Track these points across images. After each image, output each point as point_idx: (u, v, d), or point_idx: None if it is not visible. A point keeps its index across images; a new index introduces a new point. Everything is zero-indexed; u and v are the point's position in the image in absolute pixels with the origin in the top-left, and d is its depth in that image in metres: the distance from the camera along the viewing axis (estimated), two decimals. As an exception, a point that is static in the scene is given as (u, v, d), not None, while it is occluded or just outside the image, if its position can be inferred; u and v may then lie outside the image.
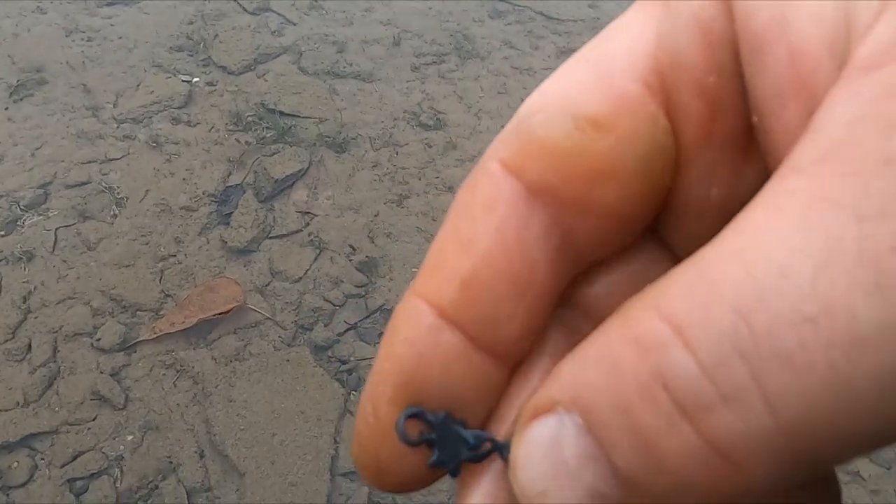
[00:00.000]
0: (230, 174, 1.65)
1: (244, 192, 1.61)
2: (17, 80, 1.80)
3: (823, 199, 0.12)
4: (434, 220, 1.60)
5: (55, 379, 1.29)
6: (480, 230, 0.17)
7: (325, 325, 1.40)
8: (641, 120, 0.16)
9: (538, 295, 0.17)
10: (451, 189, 1.66)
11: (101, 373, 1.30)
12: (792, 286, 0.12)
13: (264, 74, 1.89)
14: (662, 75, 0.17)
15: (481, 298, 0.17)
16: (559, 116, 0.17)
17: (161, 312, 1.39)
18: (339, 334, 1.40)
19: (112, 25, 2.01)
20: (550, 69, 0.24)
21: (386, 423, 0.17)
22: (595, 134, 0.16)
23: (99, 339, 1.33)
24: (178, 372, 1.32)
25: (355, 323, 1.41)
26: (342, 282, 1.46)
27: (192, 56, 1.93)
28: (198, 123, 1.76)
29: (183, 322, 1.36)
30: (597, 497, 0.14)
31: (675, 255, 0.19)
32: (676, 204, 0.18)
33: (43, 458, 1.20)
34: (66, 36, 1.95)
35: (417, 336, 0.17)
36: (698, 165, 0.17)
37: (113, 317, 1.37)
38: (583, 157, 0.16)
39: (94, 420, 1.25)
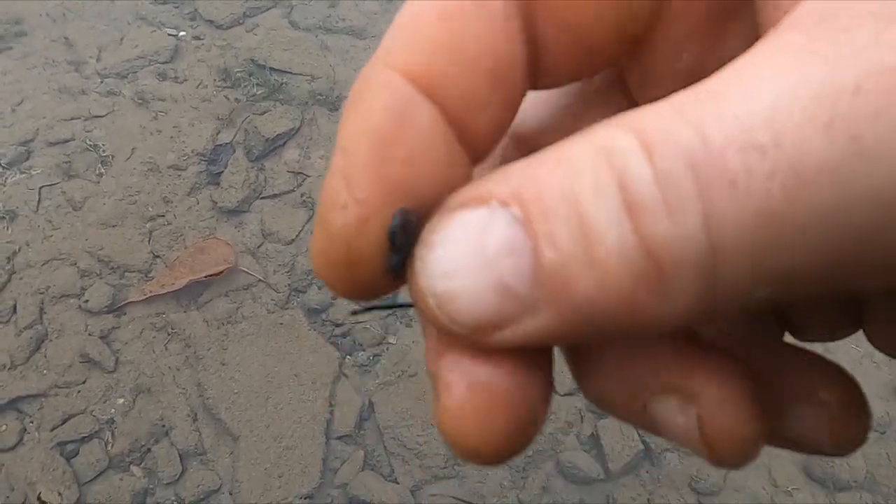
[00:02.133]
0: (219, 132, 1.60)
1: (234, 151, 1.56)
2: (-5, 32, 1.72)
3: (809, 50, 0.12)
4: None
5: (42, 341, 1.26)
6: (466, 2, 0.15)
7: (319, 288, 1.37)
8: None
9: (512, 92, 0.16)
10: (447, 150, 1.62)
11: (90, 335, 1.27)
12: (750, 113, 0.12)
13: (253, 29, 1.83)
14: None
15: (461, 74, 0.15)
16: None
17: (150, 274, 1.35)
18: (334, 297, 1.37)
19: (93, -25, 1.92)
20: None
21: (366, 207, 0.15)
22: None
23: (87, 301, 1.30)
24: (169, 335, 1.29)
25: (350, 286, 1.39)
26: (336, 244, 1.43)
27: (177, 8, 1.85)
28: (185, 79, 1.70)
29: (173, 284, 1.32)
30: (502, 292, 0.14)
31: None
32: (646, 61, 0.18)
33: (32, 422, 1.18)
34: (45, -14, 1.87)
35: (396, 105, 0.15)
36: (676, 27, 0.17)
37: (101, 278, 1.34)
38: None
39: (83, 383, 1.22)
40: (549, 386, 0.17)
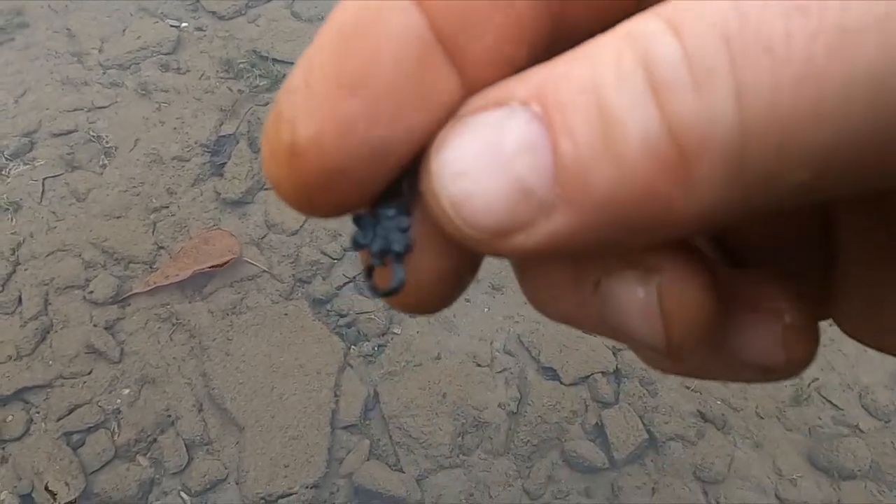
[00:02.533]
0: (223, 123, 1.59)
1: (237, 143, 1.56)
2: (-3, 24, 1.72)
3: None
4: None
5: (48, 332, 1.26)
6: None
7: (324, 279, 1.37)
8: None
9: (518, 18, 0.14)
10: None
11: (95, 326, 1.27)
12: None
13: (256, 19, 1.82)
14: None
15: None
16: None
17: (155, 265, 1.36)
18: (338, 288, 1.37)
19: (95, -34, 1.91)
20: None
21: (318, 143, 0.14)
22: None
23: (91, 292, 1.30)
24: (173, 325, 1.29)
25: (354, 276, 1.39)
26: (340, 235, 1.43)
27: (179, 0, 1.85)
28: (187, 70, 1.69)
29: (177, 274, 1.32)
30: (519, 190, 0.13)
31: None
32: None
33: (38, 412, 1.18)
34: (47, -23, 1.86)
35: (374, 7, 0.14)
36: None
37: (105, 269, 1.34)
38: None
39: (89, 374, 1.22)
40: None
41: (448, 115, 0.14)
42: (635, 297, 0.15)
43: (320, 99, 0.14)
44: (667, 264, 0.15)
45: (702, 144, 0.12)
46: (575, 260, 0.16)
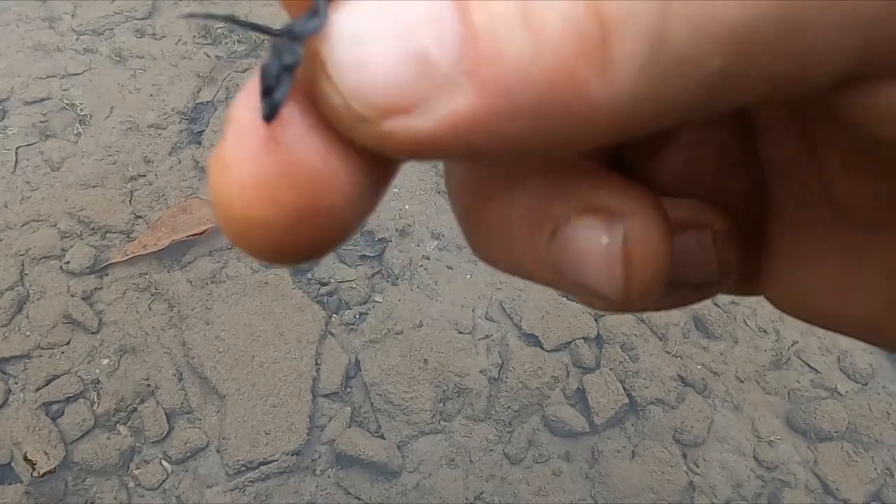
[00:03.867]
0: (200, 90, 1.56)
1: (216, 110, 1.53)
2: (-35, -12, 1.67)
3: None
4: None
5: (24, 303, 1.25)
6: None
7: (304, 247, 1.36)
8: None
9: None
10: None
11: (73, 296, 1.26)
12: None
13: (233, -17, 1.78)
14: None
15: None
16: None
17: (132, 234, 1.34)
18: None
19: (66, -72, 1.86)
20: None
21: None
22: None
23: (68, 262, 1.28)
24: (152, 295, 1.28)
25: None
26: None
27: (154, -37, 1.80)
28: (163, 36, 1.65)
29: (155, 244, 1.31)
30: (419, 62, 0.12)
31: None
32: None
33: (17, 383, 1.17)
34: (16, -61, 1.80)
35: None
36: None
37: (82, 239, 1.32)
38: None
39: (67, 344, 1.22)
40: (371, 199, 0.14)
41: None
42: (597, 244, 0.14)
43: None
44: (632, 208, 0.14)
45: (623, 20, 0.11)
46: (528, 206, 0.15)
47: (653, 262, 0.14)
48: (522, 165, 0.16)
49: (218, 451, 1.15)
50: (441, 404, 1.21)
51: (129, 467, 1.13)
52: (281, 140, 0.13)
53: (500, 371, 1.25)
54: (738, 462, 1.21)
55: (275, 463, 1.13)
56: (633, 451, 1.20)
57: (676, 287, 0.18)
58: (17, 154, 1.42)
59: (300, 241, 0.13)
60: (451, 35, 0.12)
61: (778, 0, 0.11)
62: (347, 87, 0.12)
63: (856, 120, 0.13)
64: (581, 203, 0.15)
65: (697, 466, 1.20)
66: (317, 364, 1.23)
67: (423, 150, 0.12)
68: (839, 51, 0.11)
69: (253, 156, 0.13)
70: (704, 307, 1.36)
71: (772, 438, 1.24)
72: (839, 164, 0.16)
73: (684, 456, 1.21)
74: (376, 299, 1.32)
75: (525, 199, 0.15)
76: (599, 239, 0.14)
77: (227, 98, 1.55)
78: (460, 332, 1.29)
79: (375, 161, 0.14)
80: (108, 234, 1.33)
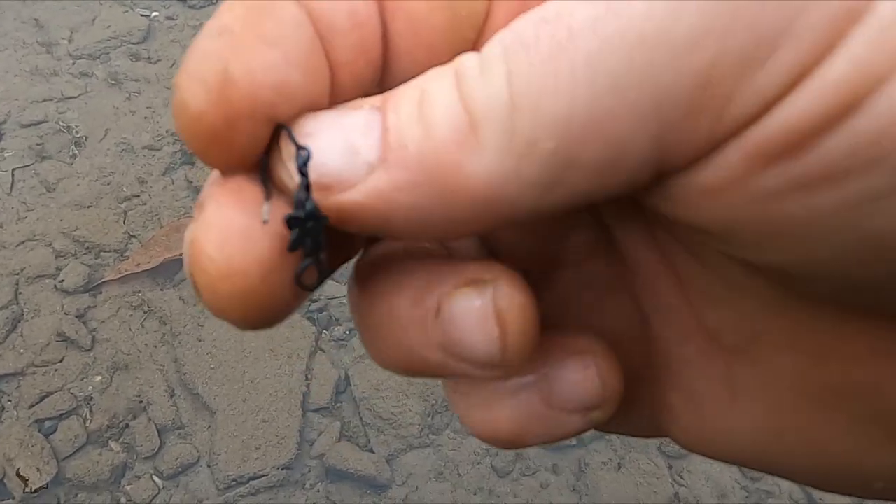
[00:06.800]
0: (193, 112, 1.59)
1: (209, 131, 1.56)
2: (-36, 14, 1.71)
3: None
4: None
5: (19, 321, 1.27)
6: None
7: (295, 265, 1.39)
8: None
9: (371, 38, 0.18)
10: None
11: (66, 314, 1.28)
12: (544, 8, 0.15)
13: (227, 8, 1.82)
14: None
15: None
16: None
17: (126, 254, 1.36)
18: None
19: (63, -44, 1.90)
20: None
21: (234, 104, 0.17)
22: None
23: (62, 281, 1.31)
24: (145, 313, 1.30)
25: (325, 262, 1.40)
26: (311, 221, 1.44)
27: (149, -11, 1.84)
28: (158, 60, 1.69)
29: (148, 262, 1.33)
30: (350, 151, 0.16)
31: None
32: None
33: (10, 400, 1.19)
34: (15, -33, 1.85)
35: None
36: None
37: (76, 258, 1.34)
38: None
39: (60, 361, 1.23)
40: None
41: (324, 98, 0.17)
42: (472, 306, 0.17)
43: (247, 44, 0.16)
44: (498, 276, 0.18)
45: (484, 113, 0.15)
46: (413, 288, 0.19)
47: (521, 316, 0.17)
48: (420, 248, 0.20)
49: (209, 466, 1.16)
50: (430, 418, 1.23)
51: (120, 483, 1.14)
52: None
53: (487, 385, 1.27)
54: (723, 473, 1.23)
55: (265, 477, 1.14)
56: (619, 463, 1.22)
57: (566, 411, 0.19)
58: (13, 175, 1.45)
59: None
60: (374, 134, 0.16)
61: (588, 96, 0.14)
62: (295, 168, 0.16)
63: (666, 210, 0.16)
64: (460, 279, 0.18)
65: (682, 478, 1.22)
66: (307, 379, 1.25)
67: (351, 217, 0.16)
68: (638, 140, 0.14)
69: (262, 265, 0.18)
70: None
71: (756, 449, 1.26)
72: (703, 293, 0.19)
73: (669, 468, 1.23)
74: (366, 315, 1.34)
75: (413, 284, 0.19)
76: (473, 303, 0.17)
77: (220, 119, 1.58)
78: (448, 347, 1.30)
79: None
80: (102, 253, 1.36)
